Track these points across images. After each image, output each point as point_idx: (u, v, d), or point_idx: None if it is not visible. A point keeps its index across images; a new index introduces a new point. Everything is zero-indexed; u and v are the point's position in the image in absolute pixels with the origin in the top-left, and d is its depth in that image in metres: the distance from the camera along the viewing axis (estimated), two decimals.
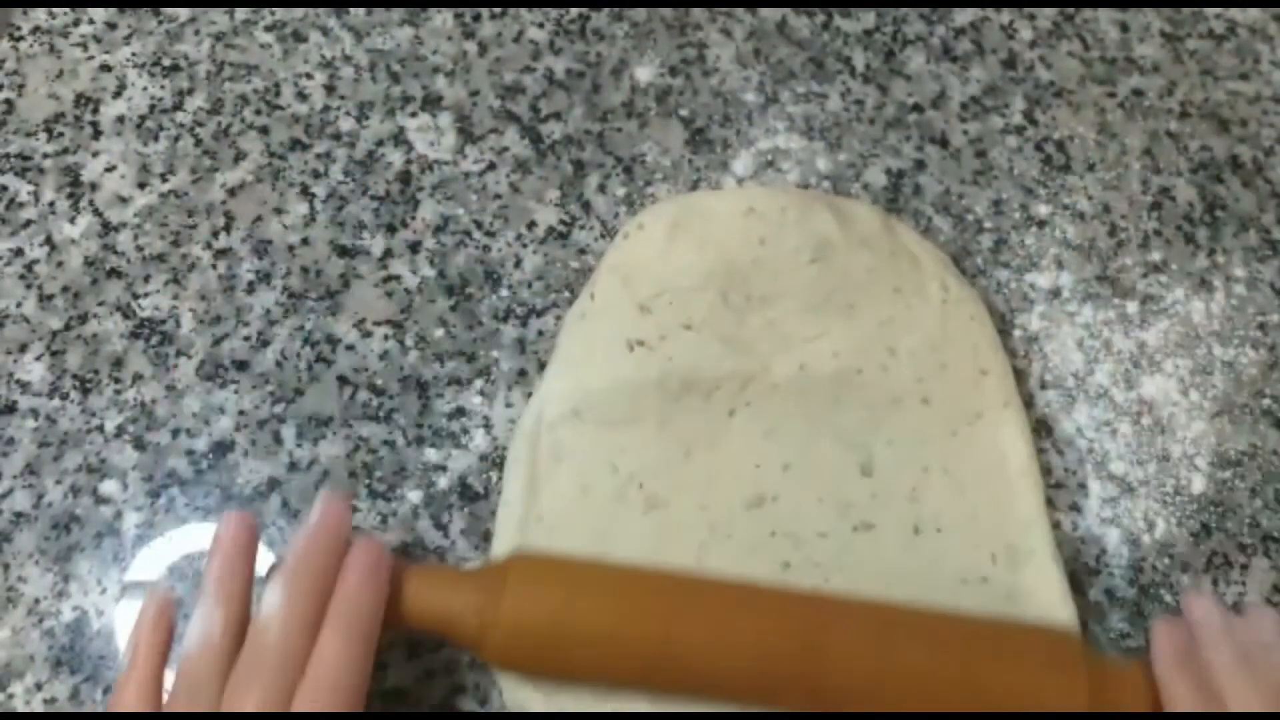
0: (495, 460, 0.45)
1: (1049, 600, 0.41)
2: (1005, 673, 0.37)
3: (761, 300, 0.46)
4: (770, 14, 0.55)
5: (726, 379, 0.44)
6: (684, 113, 0.53)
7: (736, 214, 0.47)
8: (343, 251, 0.49)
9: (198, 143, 0.51)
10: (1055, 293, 0.50)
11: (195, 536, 0.44)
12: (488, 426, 0.46)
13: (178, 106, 0.52)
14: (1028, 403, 0.47)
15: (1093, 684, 0.36)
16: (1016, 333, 0.49)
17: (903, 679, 0.37)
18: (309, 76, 0.53)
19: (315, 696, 0.34)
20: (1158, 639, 0.38)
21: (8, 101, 0.52)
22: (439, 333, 0.47)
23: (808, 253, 0.46)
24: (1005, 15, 0.56)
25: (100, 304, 0.47)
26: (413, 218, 0.50)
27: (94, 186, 0.50)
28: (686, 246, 0.46)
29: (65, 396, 0.46)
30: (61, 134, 0.51)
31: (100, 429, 0.45)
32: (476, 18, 0.55)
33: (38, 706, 0.41)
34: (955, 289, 0.47)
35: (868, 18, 0.56)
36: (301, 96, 0.52)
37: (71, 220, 0.49)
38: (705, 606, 0.38)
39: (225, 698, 0.35)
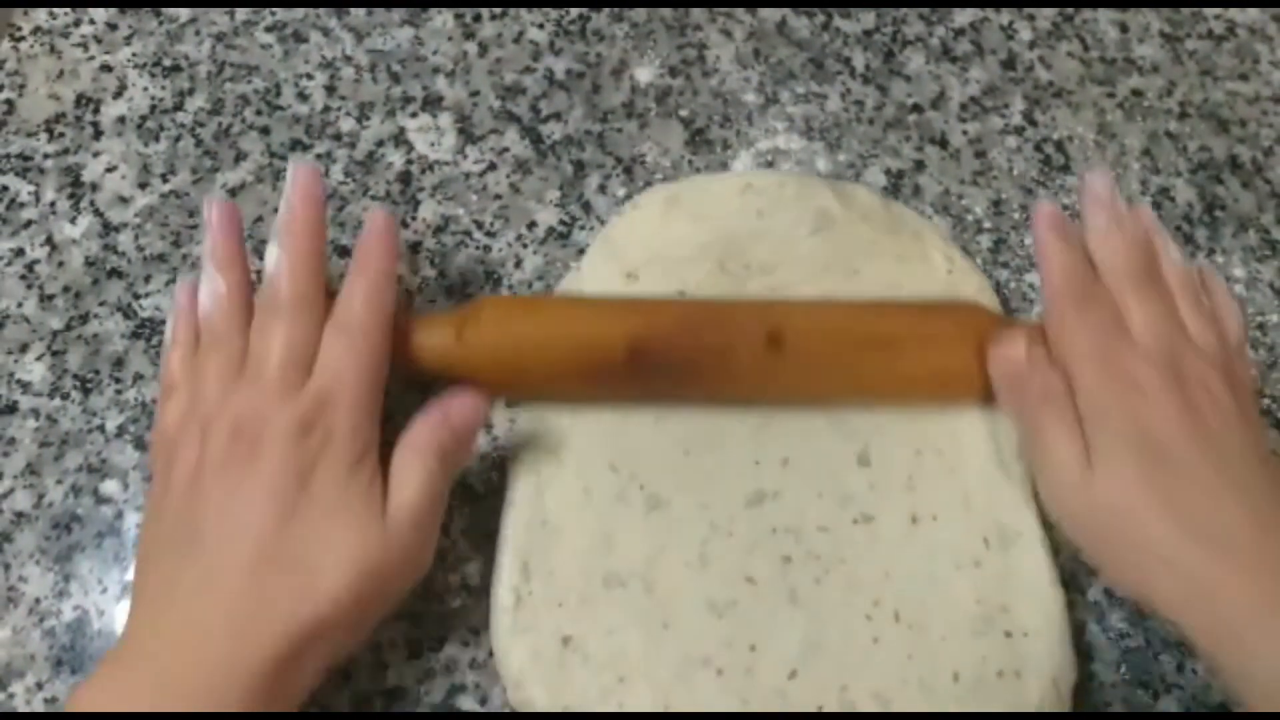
0: (495, 460, 0.45)
1: (1038, 581, 0.42)
2: (922, 318, 0.43)
3: (761, 269, 0.46)
4: (770, 14, 0.56)
5: None
6: (684, 113, 0.53)
7: (733, 190, 0.47)
8: (344, 252, 0.49)
9: (198, 143, 0.51)
10: None
11: None
12: (488, 426, 0.46)
13: (178, 107, 0.52)
14: None
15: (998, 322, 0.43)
16: None
17: (843, 379, 0.43)
18: (309, 77, 0.53)
19: (346, 328, 0.39)
20: (1039, 205, 0.43)
21: (9, 102, 0.52)
22: None
23: (807, 225, 0.46)
24: (1005, 16, 0.57)
25: (101, 304, 0.47)
26: (413, 218, 0.50)
27: (95, 187, 0.50)
28: (682, 220, 0.47)
29: (66, 396, 0.46)
30: (62, 134, 0.51)
31: (101, 429, 0.45)
32: (477, 18, 0.55)
33: (38, 706, 0.41)
34: (960, 261, 0.47)
35: (867, 18, 0.56)
36: (302, 97, 0.52)
37: (72, 220, 0.49)
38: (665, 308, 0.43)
39: (252, 339, 0.39)
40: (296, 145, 0.51)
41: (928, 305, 0.44)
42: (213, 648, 0.34)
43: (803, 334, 0.42)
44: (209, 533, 0.36)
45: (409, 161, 0.51)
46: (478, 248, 0.49)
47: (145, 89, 0.52)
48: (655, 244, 0.46)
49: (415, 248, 0.49)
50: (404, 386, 0.42)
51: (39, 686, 0.41)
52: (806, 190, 0.47)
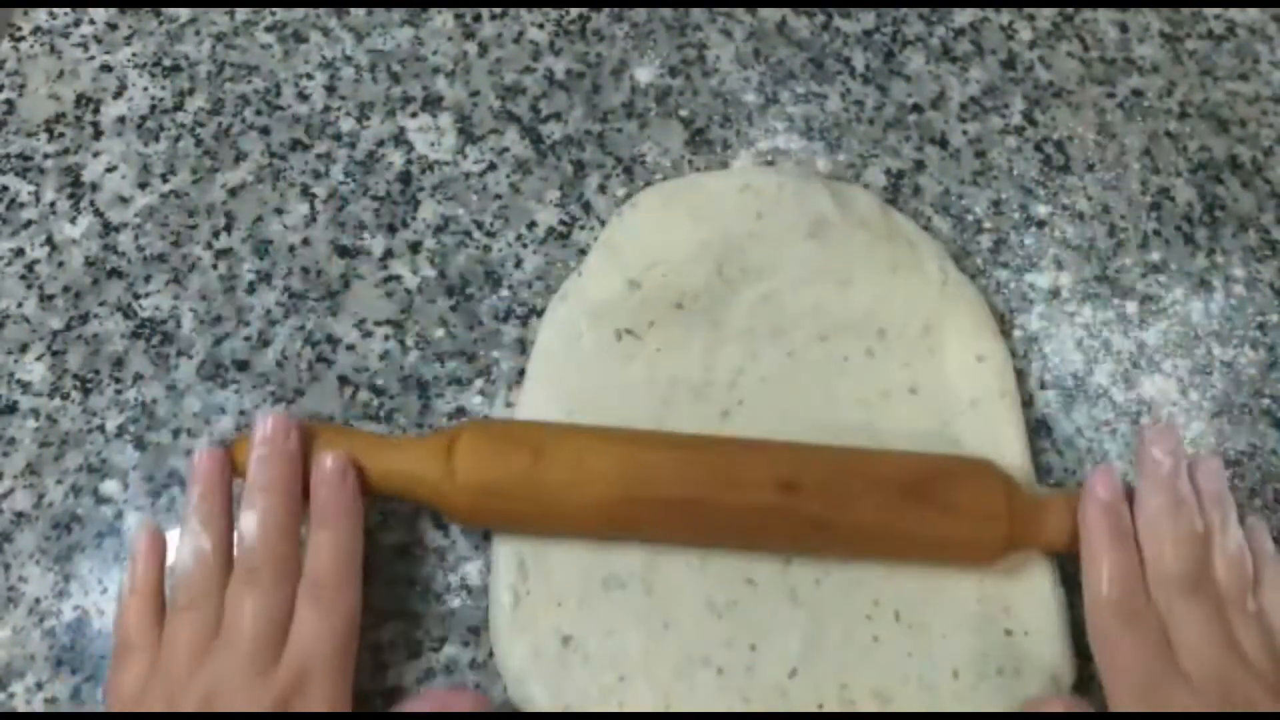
0: None
1: (1039, 581, 0.42)
2: (938, 522, 0.41)
3: (757, 273, 0.46)
4: (770, 14, 0.56)
5: (716, 372, 0.44)
6: (684, 113, 0.53)
7: (732, 190, 0.47)
8: (343, 252, 0.49)
9: (198, 143, 0.51)
10: (1055, 293, 0.50)
11: None
12: None
13: (178, 107, 0.52)
14: (1027, 403, 0.47)
15: (1014, 523, 0.41)
16: (1016, 333, 0.49)
17: (848, 533, 0.40)
18: (309, 77, 0.53)
19: (317, 593, 0.38)
20: (1094, 481, 0.41)
21: (9, 102, 0.52)
22: (439, 333, 0.47)
23: (804, 228, 0.46)
24: (1004, 16, 0.56)
25: (101, 304, 0.47)
26: (413, 218, 0.50)
27: (95, 187, 0.50)
28: (681, 219, 0.47)
29: (66, 396, 0.46)
30: (62, 134, 0.51)
31: (101, 429, 0.45)
32: (477, 18, 0.55)
33: (38, 706, 0.41)
34: (954, 274, 0.47)
35: (867, 18, 0.56)
36: (302, 97, 0.52)
37: (72, 220, 0.49)
38: (665, 454, 0.40)
39: (226, 604, 0.37)
40: (296, 145, 0.51)
41: (941, 466, 0.42)
42: None
43: (818, 484, 0.40)
44: None
45: (409, 161, 0.51)
46: (478, 248, 0.49)
47: (145, 89, 0.52)
48: (655, 245, 0.46)
49: (415, 248, 0.49)
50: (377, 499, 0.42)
51: (39, 686, 0.41)
52: (805, 193, 0.47)
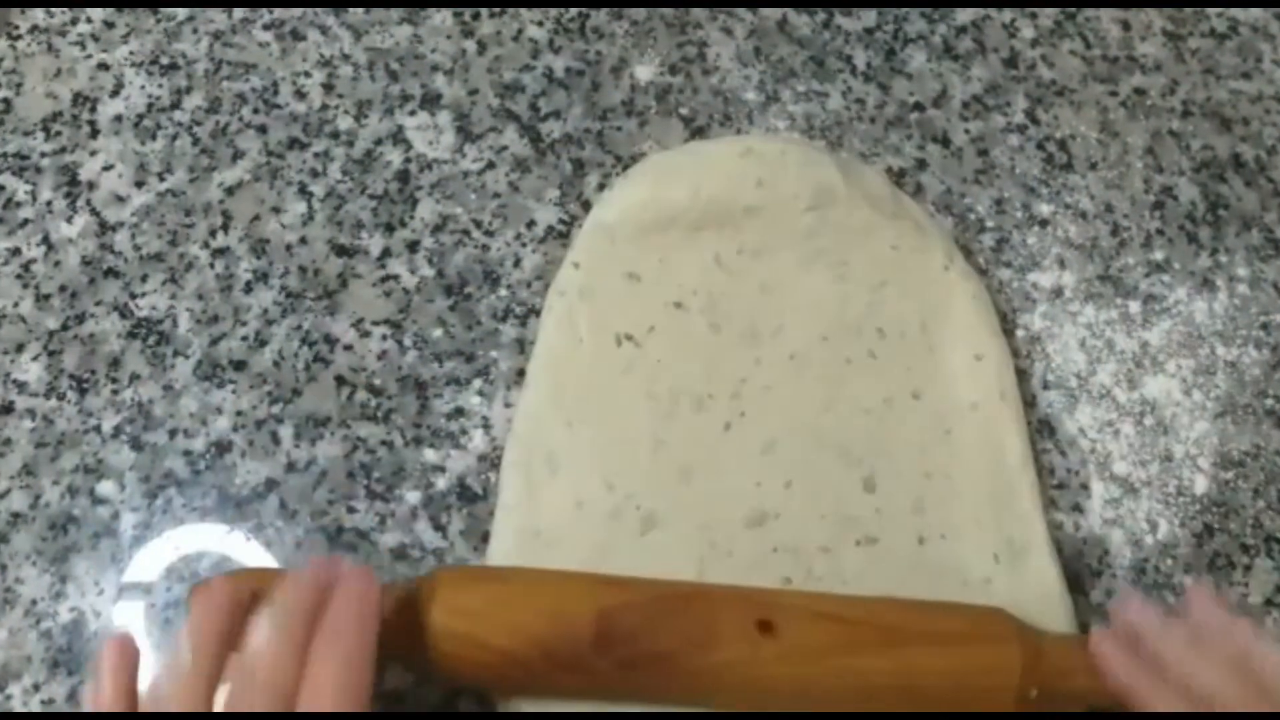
0: (494, 461, 0.45)
1: (1048, 594, 0.41)
2: (944, 660, 0.38)
3: (754, 254, 0.45)
4: (771, 12, 0.55)
5: (718, 383, 0.44)
6: (684, 111, 0.53)
7: (732, 154, 0.47)
8: (341, 251, 0.49)
9: (195, 142, 0.51)
10: (1057, 292, 0.49)
11: (193, 537, 0.43)
12: (486, 427, 0.45)
13: (175, 105, 0.52)
14: (1029, 403, 0.47)
15: (1026, 660, 0.37)
16: (1019, 332, 0.48)
17: (844, 677, 0.37)
18: (307, 75, 0.53)
19: None
20: (1102, 654, 0.37)
21: (5, 100, 0.52)
22: (437, 332, 0.47)
23: (806, 199, 0.46)
24: (1007, 14, 0.56)
25: (97, 304, 0.47)
26: (411, 217, 0.49)
27: (91, 186, 0.50)
28: (679, 190, 0.46)
29: (62, 397, 0.45)
30: (59, 133, 0.51)
31: (97, 429, 0.45)
32: (476, 16, 0.55)
33: (35, 707, 0.40)
34: (960, 262, 0.46)
35: (869, 16, 0.56)
36: (300, 95, 0.52)
37: (69, 220, 0.49)
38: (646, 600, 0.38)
39: None
40: (294, 144, 0.51)
41: (940, 604, 0.40)
42: None
43: (796, 623, 0.37)
44: None
45: (407, 160, 0.51)
46: (476, 247, 0.49)
47: (142, 87, 0.52)
48: (651, 226, 0.46)
49: (413, 247, 0.49)
50: None
51: (36, 688, 0.41)
52: (809, 160, 0.47)
